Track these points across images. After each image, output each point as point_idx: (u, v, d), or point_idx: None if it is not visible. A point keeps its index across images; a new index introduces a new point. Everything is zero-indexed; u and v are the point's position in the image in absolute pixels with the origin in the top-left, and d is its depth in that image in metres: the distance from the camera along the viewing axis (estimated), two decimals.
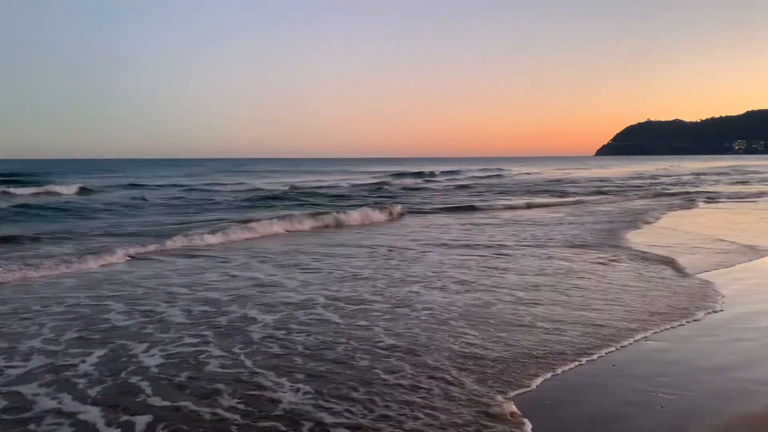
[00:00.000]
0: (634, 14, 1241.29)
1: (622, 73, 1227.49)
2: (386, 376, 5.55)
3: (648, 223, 18.63)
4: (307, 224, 17.90)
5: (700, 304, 8.09)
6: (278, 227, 16.94)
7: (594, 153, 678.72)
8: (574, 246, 13.58)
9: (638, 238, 14.98)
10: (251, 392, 5.24)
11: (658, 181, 48.61)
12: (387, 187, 41.61)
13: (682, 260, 11.33)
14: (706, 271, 10.30)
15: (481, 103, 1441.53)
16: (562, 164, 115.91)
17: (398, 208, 22.01)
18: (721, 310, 7.81)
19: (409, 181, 50.20)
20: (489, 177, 61.06)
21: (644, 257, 11.76)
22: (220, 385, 5.39)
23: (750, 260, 11.42)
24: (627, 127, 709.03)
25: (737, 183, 42.14)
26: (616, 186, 41.26)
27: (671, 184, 42.33)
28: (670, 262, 11.12)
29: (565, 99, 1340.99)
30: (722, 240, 14.16)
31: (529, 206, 25.46)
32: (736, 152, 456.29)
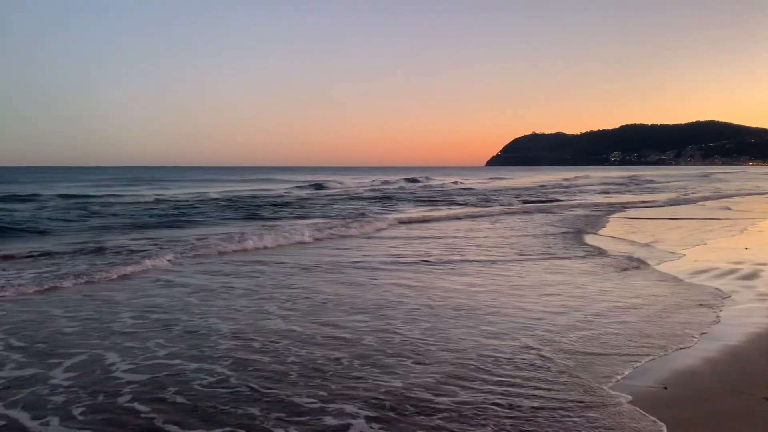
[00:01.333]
0: (520, 36, 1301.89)
1: (509, 87, 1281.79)
2: None
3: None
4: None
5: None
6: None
7: (485, 163, 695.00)
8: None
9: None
10: None
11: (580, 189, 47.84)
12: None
13: None
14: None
15: (376, 114, 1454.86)
16: (460, 174, 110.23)
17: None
18: None
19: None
20: (412, 185, 56.81)
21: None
22: None
23: None
24: (514, 139, 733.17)
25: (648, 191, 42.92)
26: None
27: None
28: None
29: (457, 112, 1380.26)
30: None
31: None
32: (613, 163, 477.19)
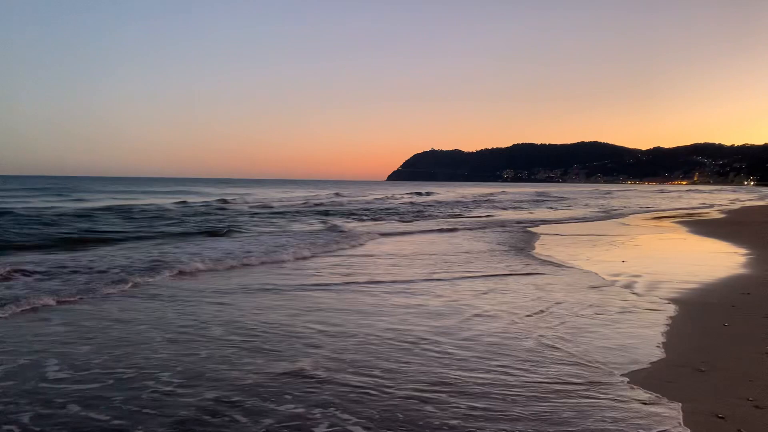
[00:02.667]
0: (420, 56, 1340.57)
1: (409, 104, 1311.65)
2: None
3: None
4: None
5: None
6: None
7: (386, 178, 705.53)
8: None
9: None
10: None
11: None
12: None
13: None
14: None
15: (276, 127, 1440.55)
16: (365, 187, 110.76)
17: None
18: None
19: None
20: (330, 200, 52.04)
21: None
22: None
23: None
24: (414, 155, 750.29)
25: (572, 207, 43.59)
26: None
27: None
28: None
29: (358, 127, 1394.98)
30: None
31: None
32: (505, 179, 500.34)
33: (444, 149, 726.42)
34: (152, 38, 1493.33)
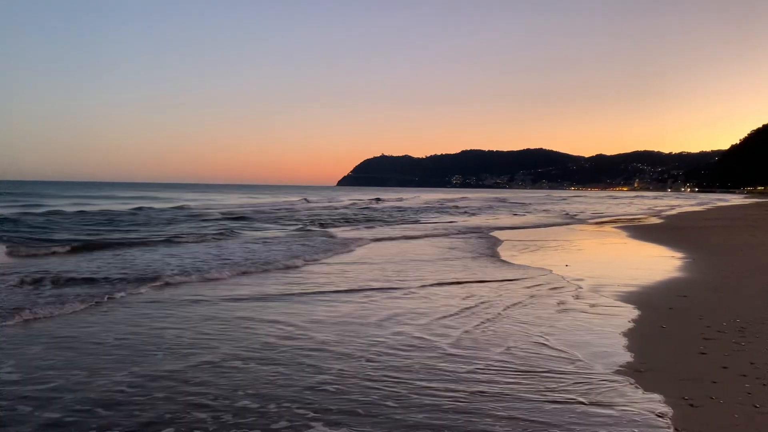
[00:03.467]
0: (370, 62, 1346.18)
1: (359, 109, 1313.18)
2: None
3: None
4: None
5: None
6: None
7: (336, 183, 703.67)
8: None
9: None
10: None
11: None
12: None
13: None
14: None
15: (219, 130, 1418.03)
16: (321, 193, 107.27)
17: None
18: None
19: None
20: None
21: None
22: None
23: None
24: (365, 160, 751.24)
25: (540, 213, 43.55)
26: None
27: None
28: None
29: (308, 132, 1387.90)
30: None
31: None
32: (454, 185, 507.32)
33: (394, 155, 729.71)
34: (116, 45, 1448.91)
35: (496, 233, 22.97)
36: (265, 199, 68.45)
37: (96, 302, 8.78)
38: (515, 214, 41.43)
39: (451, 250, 17.09)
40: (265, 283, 10.83)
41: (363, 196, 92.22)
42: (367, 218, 33.79)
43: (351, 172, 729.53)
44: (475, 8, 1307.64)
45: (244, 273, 11.94)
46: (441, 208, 49.17)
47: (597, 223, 31.49)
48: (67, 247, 15.56)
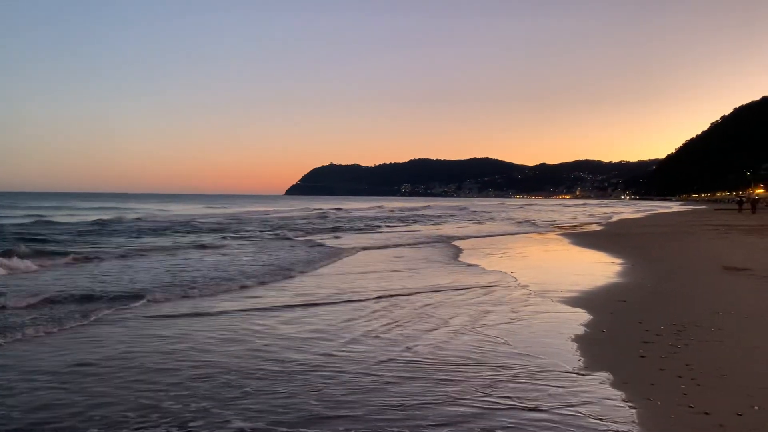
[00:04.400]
0: (317, 69, 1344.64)
1: (308, 118, 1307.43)
2: None
3: None
4: None
5: None
6: None
7: (284, 192, 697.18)
8: None
9: None
10: None
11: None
12: None
13: None
14: None
15: (164, 137, 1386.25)
16: (257, 202, 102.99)
17: None
18: None
19: None
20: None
21: None
22: None
23: None
24: (313, 169, 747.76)
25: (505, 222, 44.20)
26: None
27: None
28: None
29: (255, 140, 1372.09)
30: None
31: None
32: (404, 194, 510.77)
33: (343, 163, 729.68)
34: (68, 52, 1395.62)
35: (459, 242, 23.22)
36: (215, 210, 67.15)
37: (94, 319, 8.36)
38: (479, 223, 42.61)
39: (415, 260, 17.15)
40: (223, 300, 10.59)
41: (324, 205, 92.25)
42: (337, 228, 33.77)
43: (299, 180, 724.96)
44: (424, 19, 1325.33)
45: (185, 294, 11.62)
46: (406, 218, 49.89)
47: (558, 229, 32.26)
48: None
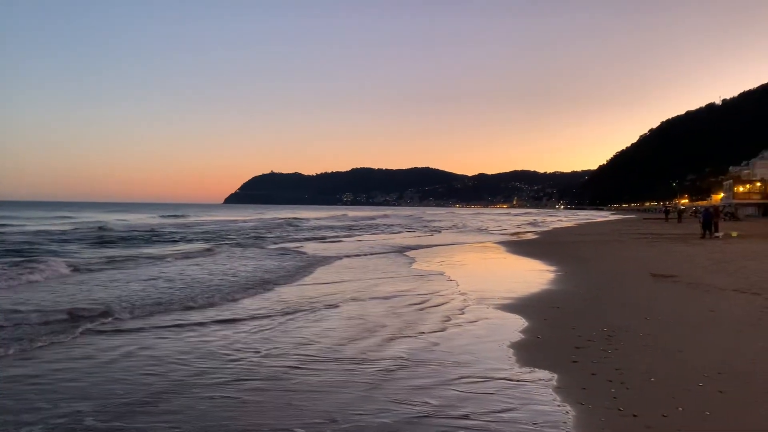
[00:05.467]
0: (259, 77, 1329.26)
1: (248, 126, 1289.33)
2: None
3: None
4: None
5: None
6: None
7: (223, 201, 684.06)
8: None
9: None
10: None
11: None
12: None
13: None
14: None
15: (94, 144, 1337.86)
16: (201, 210, 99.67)
17: None
18: None
19: None
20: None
21: None
22: None
23: None
24: (253, 177, 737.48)
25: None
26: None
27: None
28: None
29: (192, 148, 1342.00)
30: None
31: None
32: (345, 203, 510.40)
33: (284, 172, 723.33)
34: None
35: (411, 252, 23.23)
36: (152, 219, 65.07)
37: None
38: (437, 231, 43.63)
39: (364, 269, 17.06)
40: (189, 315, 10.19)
41: (278, 214, 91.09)
42: (325, 237, 33.39)
43: (239, 189, 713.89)
44: (367, 24, 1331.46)
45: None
46: (358, 227, 50.21)
47: (507, 236, 32.87)
48: None
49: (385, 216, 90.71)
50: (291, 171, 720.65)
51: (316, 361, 6.70)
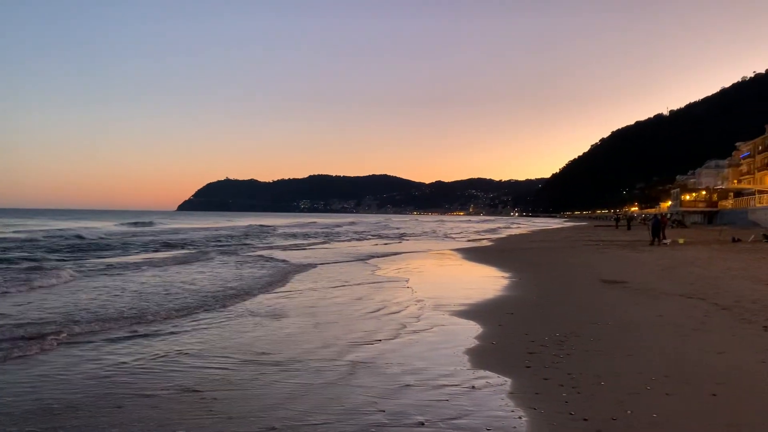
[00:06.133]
0: (216, 84, 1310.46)
1: (203, 132, 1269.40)
2: None
3: None
4: None
5: None
6: None
7: (176, 208, 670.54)
8: None
9: None
10: None
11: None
12: None
13: None
14: None
15: (64, 154, 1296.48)
16: (154, 218, 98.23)
17: None
18: None
19: None
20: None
21: None
22: None
23: None
24: (207, 184, 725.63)
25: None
26: None
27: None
28: None
29: (145, 154, 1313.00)
30: None
31: None
32: (302, 210, 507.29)
33: (240, 179, 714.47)
34: None
35: (375, 260, 23.20)
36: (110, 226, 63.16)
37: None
38: (404, 237, 44.89)
39: (326, 278, 16.91)
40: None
41: (242, 222, 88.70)
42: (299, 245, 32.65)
43: (192, 196, 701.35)
44: (323, 35, 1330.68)
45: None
46: (326, 234, 50.21)
47: (470, 243, 33.12)
48: None
49: (352, 223, 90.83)
50: (247, 177, 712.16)
51: (265, 373, 6.59)
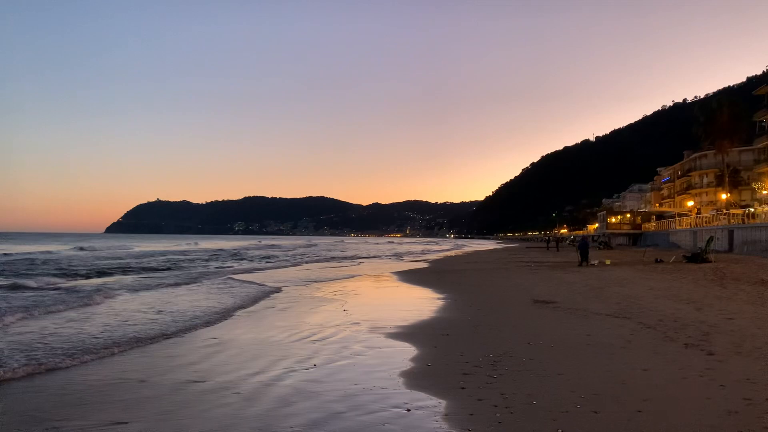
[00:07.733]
0: (151, 101, 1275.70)
1: (132, 151, 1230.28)
2: None
3: None
4: None
5: None
6: None
7: (104, 230, 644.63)
8: None
9: None
10: None
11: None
12: None
13: None
14: None
15: None
16: (81, 240, 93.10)
17: None
18: None
19: None
20: None
21: None
22: None
23: None
24: (137, 206, 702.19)
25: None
26: None
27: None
28: None
29: (68, 174, 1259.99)
30: None
31: None
32: (237, 232, 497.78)
33: (171, 200, 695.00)
34: None
35: (319, 284, 22.92)
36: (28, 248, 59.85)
37: None
38: (359, 258, 45.59)
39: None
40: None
41: (173, 244, 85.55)
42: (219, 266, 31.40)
43: (121, 218, 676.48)
44: (253, 59, 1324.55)
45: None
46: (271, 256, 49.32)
47: (414, 263, 33.17)
48: None
49: (311, 245, 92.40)
50: (179, 199, 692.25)
51: (192, 401, 6.35)
